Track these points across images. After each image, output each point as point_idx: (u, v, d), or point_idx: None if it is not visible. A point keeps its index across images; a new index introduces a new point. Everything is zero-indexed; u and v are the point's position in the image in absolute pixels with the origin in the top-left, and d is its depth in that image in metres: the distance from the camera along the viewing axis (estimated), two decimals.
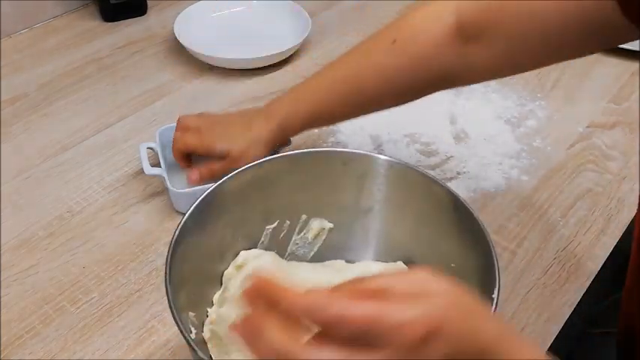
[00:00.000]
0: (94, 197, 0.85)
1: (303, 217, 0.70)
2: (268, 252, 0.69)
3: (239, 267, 0.66)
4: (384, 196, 0.68)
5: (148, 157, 0.83)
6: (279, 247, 0.71)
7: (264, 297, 0.40)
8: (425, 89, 0.74)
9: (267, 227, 0.69)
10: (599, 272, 0.77)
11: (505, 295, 0.73)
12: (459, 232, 0.63)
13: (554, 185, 0.87)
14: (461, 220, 0.62)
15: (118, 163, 0.89)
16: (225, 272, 0.67)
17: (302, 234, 0.71)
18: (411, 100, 0.75)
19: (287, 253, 0.71)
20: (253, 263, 0.66)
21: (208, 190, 0.63)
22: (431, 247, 0.66)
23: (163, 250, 0.77)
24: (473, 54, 0.67)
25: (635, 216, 0.81)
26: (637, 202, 0.85)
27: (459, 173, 0.89)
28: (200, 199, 0.62)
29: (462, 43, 0.67)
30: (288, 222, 0.70)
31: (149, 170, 0.81)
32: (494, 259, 0.57)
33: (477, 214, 0.61)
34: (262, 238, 0.69)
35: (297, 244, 0.71)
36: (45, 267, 0.76)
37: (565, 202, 0.85)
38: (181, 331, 0.53)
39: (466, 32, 0.67)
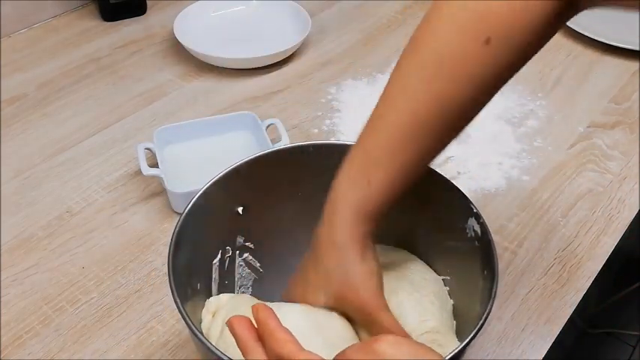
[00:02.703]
0: (93, 197, 0.85)
1: None
2: (239, 295, 0.65)
3: (214, 313, 0.60)
4: None
5: (147, 158, 0.83)
6: None
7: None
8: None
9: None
10: (599, 272, 0.77)
11: (505, 295, 0.73)
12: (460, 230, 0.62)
13: (555, 185, 0.87)
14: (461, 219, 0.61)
15: (118, 163, 0.89)
16: (202, 326, 0.59)
17: None
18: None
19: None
20: (227, 309, 0.59)
21: (204, 188, 0.62)
22: (430, 236, 0.65)
23: (162, 250, 0.77)
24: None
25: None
26: (638, 201, 0.85)
27: (459, 173, 0.88)
28: (196, 197, 0.61)
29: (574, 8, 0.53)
30: None
31: (147, 171, 0.81)
32: (495, 258, 0.57)
33: (478, 210, 0.60)
34: None
35: None
36: (44, 267, 0.76)
37: (566, 202, 0.85)
38: (188, 324, 0.51)
39: None
